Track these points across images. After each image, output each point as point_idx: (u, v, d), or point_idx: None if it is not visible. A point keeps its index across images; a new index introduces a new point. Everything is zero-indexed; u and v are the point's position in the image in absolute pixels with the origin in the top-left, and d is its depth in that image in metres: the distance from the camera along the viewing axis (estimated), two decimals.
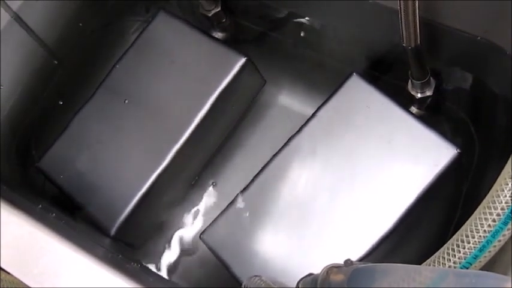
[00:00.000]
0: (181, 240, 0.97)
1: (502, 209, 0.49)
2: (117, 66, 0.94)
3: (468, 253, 0.51)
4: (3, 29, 0.91)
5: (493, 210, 0.50)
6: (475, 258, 0.51)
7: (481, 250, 0.51)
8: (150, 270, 0.92)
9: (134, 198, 0.86)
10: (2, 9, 0.90)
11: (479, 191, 0.78)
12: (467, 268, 0.52)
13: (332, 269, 0.50)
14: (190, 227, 0.98)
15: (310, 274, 0.57)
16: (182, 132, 0.87)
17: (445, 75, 0.87)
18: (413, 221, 0.80)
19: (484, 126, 0.87)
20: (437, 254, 0.56)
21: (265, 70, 0.95)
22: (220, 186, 0.99)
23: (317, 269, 0.53)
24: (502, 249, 0.52)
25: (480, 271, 0.40)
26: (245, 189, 0.84)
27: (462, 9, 0.75)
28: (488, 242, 0.50)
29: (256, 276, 0.64)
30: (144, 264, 0.93)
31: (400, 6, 0.64)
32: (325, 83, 0.92)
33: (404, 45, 0.71)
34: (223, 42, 0.93)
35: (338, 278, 0.47)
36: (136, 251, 0.94)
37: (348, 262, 0.49)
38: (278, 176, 0.83)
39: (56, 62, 1.02)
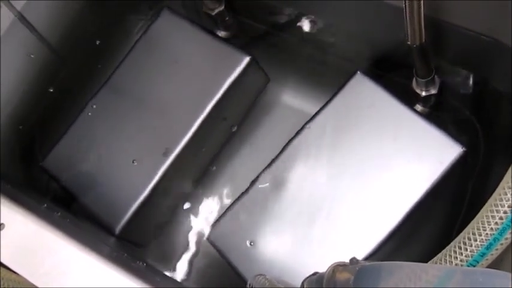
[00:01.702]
0: (186, 238, 0.97)
1: (509, 206, 0.49)
2: (121, 65, 0.94)
3: (475, 251, 0.51)
4: (7, 28, 0.91)
5: (499, 208, 0.49)
6: (482, 256, 0.51)
7: (488, 248, 0.50)
8: (155, 269, 0.92)
9: (139, 198, 0.86)
10: (5, 8, 0.90)
11: (485, 188, 0.78)
12: (474, 266, 0.52)
13: (338, 267, 0.49)
14: (194, 226, 0.98)
15: (316, 273, 0.57)
16: (186, 131, 0.87)
17: (449, 73, 0.87)
18: (419, 218, 0.79)
19: (489, 124, 0.87)
20: (443, 252, 0.56)
21: (269, 69, 0.95)
22: (224, 185, 0.99)
23: (323, 268, 0.53)
24: (508, 247, 0.52)
25: (487, 269, 0.39)
26: (250, 187, 0.84)
27: (467, 7, 0.75)
28: (495, 239, 0.50)
29: (261, 275, 0.64)
30: (149, 263, 0.93)
31: (405, 4, 0.64)
32: (329, 81, 0.92)
33: (409, 43, 0.71)
34: (227, 41, 0.93)
35: (344, 276, 0.47)
36: (141, 250, 0.95)
37: (353, 260, 0.49)
38: (283, 174, 0.82)
39: (59, 61, 1.02)
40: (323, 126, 0.83)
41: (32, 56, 0.97)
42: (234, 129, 0.98)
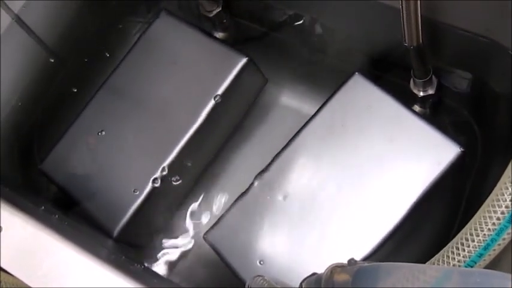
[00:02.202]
0: (184, 240, 0.97)
1: (507, 207, 0.49)
2: (119, 67, 0.94)
3: (473, 251, 0.51)
4: (5, 30, 0.91)
5: (497, 209, 0.50)
6: (479, 257, 0.51)
7: (485, 248, 0.50)
8: (153, 271, 0.92)
9: (137, 200, 0.86)
10: (2, 11, 0.90)
11: (483, 189, 0.78)
12: (472, 267, 0.52)
13: (336, 268, 0.50)
14: (193, 227, 0.98)
15: (314, 274, 0.57)
16: (184, 133, 0.87)
17: (447, 73, 0.87)
18: (417, 219, 0.79)
19: (487, 125, 0.87)
20: (441, 252, 0.56)
21: (267, 70, 0.95)
22: (223, 186, 0.99)
23: (321, 269, 0.53)
24: (506, 248, 0.52)
25: (485, 270, 0.39)
26: (248, 189, 0.84)
27: (464, 8, 0.75)
28: (493, 240, 0.50)
29: (259, 276, 0.64)
30: (147, 265, 0.93)
31: (401, 5, 0.64)
32: (327, 82, 0.91)
33: (406, 44, 0.71)
34: (225, 42, 0.93)
35: (342, 277, 0.47)
36: (139, 252, 0.94)
37: (351, 261, 0.49)
38: (281, 175, 0.82)
39: (57, 63, 1.02)
40: (321, 127, 0.83)
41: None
42: (232, 130, 0.98)
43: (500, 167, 0.56)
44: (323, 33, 0.97)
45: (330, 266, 0.50)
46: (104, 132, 0.91)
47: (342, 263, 0.50)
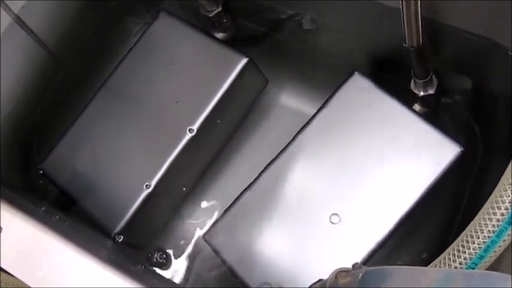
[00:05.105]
0: (184, 241, 0.97)
1: (506, 208, 0.49)
2: (119, 68, 0.94)
3: (473, 254, 0.51)
4: (4, 30, 0.91)
5: (496, 210, 0.50)
6: (480, 259, 0.51)
7: (486, 250, 0.50)
8: (153, 271, 0.92)
9: (137, 200, 0.86)
10: (2, 11, 0.90)
11: (483, 188, 0.78)
12: (473, 269, 0.52)
13: (340, 273, 0.50)
14: (193, 227, 0.98)
15: (319, 280, 0.57)
16: (184, 133, 0.87)
17: (447, 73, 0.87)
18: (417, 218, 0.79)
19: (487, 124, 0.87)
20: (442, 255, 0.56)
21: (267, 70, 0.95)
22: (223, 187, 0.99)
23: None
24: (507, 249, 0.52)
25: (486, 271, 0.40)
26: (248, 189, 0.84)
27: (464, 9, 0.75)
28: (493, 242, 0.50)
29: (265, 283, 0.64)
30: (147, 265, 0.93)
31: (402, 5, 0.64)
32: (327, 82, 0.91)
33: (406, 45, 0.71)
34: (225, 42, 0.93)
35: (346, 281, 0.47)
36: (139, 253, 0.94)
37: (356, 266, 0.49)
38: (281, 175, 0.82)
39: (57, 64, 1.02)
40: (321, 127, 0.83)
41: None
42: (233, 130, 0.98)
43: (500, 166, 0.56)
44: (323, 33, 0.97)
45: (334, 271, 0.50)
46: (103, 133, 0.91)
47: (346, 268, 0.50)
